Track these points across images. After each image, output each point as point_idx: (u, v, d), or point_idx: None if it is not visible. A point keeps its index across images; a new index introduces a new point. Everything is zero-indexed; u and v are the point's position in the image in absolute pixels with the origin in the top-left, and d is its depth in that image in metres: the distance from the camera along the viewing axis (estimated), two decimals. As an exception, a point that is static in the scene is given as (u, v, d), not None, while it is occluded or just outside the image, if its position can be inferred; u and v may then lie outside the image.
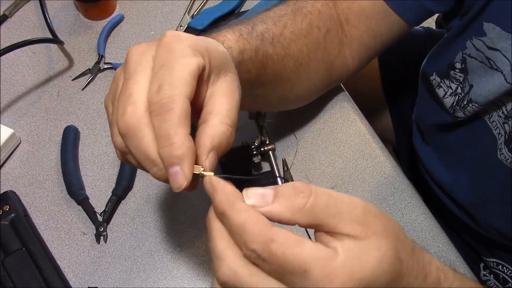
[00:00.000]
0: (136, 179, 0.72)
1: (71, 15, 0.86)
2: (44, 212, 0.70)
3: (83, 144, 0.75)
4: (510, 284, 0.75)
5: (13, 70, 0.81)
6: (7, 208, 0.67)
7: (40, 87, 0.80)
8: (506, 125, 0.63)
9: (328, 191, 0.37)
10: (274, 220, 0.36)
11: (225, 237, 0.36)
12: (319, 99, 0.73)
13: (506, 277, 0.76)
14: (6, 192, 0.69)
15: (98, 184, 0.72)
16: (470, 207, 0.74)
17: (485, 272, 0.80)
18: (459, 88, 0.67)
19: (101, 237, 0.68)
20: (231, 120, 0.42)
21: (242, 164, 0.70)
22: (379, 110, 1.02)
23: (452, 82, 0.68)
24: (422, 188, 0.83)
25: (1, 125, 0.72)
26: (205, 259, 0.67)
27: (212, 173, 0.40)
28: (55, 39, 0.78)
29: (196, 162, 0.40)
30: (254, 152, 0.68)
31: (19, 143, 0.75)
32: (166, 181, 0.40)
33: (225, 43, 0.51)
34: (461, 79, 0.67)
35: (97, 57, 0.82)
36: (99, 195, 0.71)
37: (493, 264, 0.78)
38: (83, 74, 0.81)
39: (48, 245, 0.67)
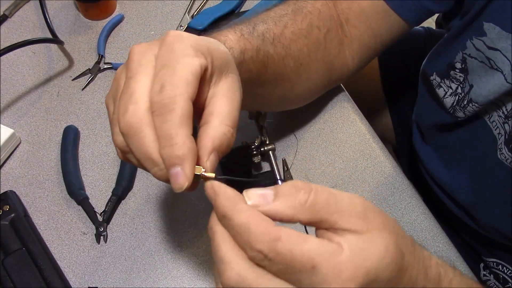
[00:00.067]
0: (136, 179, 0.72)
1: (71, 15, 0.86)
2: (44, 212, 0.70)
3: (83, 144, 0.75)
4: (510, 284, 0.75)
5: (13, 70, 0.81)
6: (7, 208, 0.67)
7: (40, 87, 0.80)
8: (506, 125, 0.63)
9: (328, 188, 0.37)
10: (276, 218, 0.36)
11: (229, 241, 0.36)
12: (319, 99, 0.73)
13: (506, 277, 0.76)
14: (6, 192, 0.69)
15: (98, 184, 0.72)
16: (470, 207, 0.74)
17: (485, 272, 0.80)
18: (459, 88, 0.67)
19: (101, 237, 0.68)
20: (232, 122, 0.42)
21: (242, 164, 0.70)
22: (379, 110, 1.02)
23: (452, 82, 0.68)
24: (422, 188, 0.83)
25: (1, 125, 0.72)
26: (205, 259, 0.67)
27: (213, 174, 0.40)
28: (55, 39, 0.78)
29: (197, 163, 0.40)
30: (254, 152, 0.68)
31: (19, 143, 0.75)
32: (167, 181, 0.40)
33: (227, 43, 0.51)
34: (461, 79, 0.67)
35: (97, 57, 0.82)
36: (99, 195, 0.71)
37: (493, 264, 0.78)
38: (83, 74, 0.81)
39: (48, 245, 0.67)
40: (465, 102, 0.67)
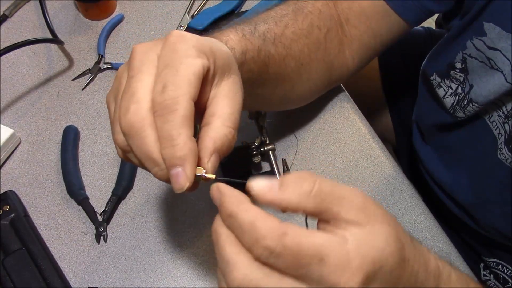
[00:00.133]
0: (136, 179, 0.72)
1: (71, 15, 0.86)
2: (44, 212, 0.70)
3: (83, 144, 0.75)
4: (510, 284, 0.75)
5: (13, 70, 0.81)
6: (7, 208, 0.67)
7: (40, 87, 0.80)
8: (506, 125, 0.64)
9: (330, 180, 0.37)
10: (282, 206, 0.36)
11: (234, 242, 0.36)
12: (319, 99, 0.74)
13: (506, 277, 0.76)
14: (6, 192, 0.69)
15: (98, 184, 0.72)
16: (470, 207, 0.74)
17: (485, 272, 0.80)
18: (459, 88, 0.67)
19: (101, 237, 0.68)
20: (233, 123, 0.42)
21: (242, 164, 0.70)
22: (379, 110, 1.02)
23: (452, 82, 0.68)
24: (422, 188, 0.83)
25: (1, 125, 0.72)
26: (205, 259, 0.67)
27: (214, 176, 0.41)
28: (55, 39, 0.78)
29: (198, 164, 0.40)
30: (254, 152, 0.68)
31: (19, 143, 0.75)
32: (167, 181, 0.40)
33: (228, 43, 0.51)
34: (461, 79, 0.67)
35: (97, 57, 0.82)
36: (99, 195, 0.71)
37: (493, 264, 0.78)
38: (83, 74, 0.81)
39: (48, 245, 0.67)
40: (465, 102, 0.67)
